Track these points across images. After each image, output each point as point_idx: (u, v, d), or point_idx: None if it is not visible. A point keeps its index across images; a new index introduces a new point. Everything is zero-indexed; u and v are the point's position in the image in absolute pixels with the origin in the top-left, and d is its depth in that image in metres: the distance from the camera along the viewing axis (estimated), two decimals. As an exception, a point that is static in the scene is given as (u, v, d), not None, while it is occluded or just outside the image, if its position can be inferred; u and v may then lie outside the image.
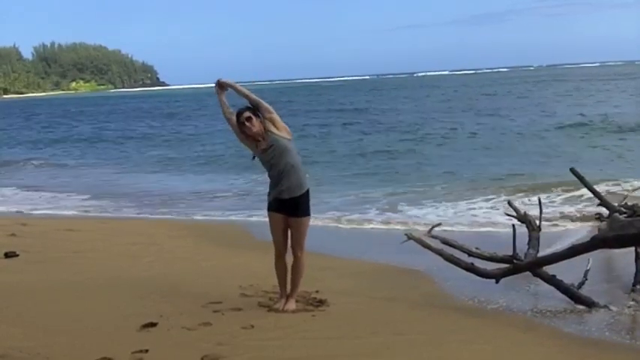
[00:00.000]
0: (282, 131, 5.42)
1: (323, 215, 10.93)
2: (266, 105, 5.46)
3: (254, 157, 5.62)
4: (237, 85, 5.60)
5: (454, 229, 9.79)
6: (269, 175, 5.52)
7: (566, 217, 10.24)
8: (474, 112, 35.95)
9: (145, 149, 26.74)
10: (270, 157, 5.39)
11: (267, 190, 5.61)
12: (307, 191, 5.51)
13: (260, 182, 12.97)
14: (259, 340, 4.72)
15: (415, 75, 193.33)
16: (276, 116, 5.44)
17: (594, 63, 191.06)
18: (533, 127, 25.91)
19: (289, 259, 5.66)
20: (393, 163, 18.82)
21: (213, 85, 5.69)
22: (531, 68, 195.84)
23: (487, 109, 37.25)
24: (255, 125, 5.37)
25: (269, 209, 5.57)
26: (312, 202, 5.62)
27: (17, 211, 12.73)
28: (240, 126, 5.40)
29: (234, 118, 5.51)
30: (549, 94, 48.14)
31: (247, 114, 5.39)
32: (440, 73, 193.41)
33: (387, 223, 10.79)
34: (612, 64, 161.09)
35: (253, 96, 5.49)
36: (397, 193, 13.48)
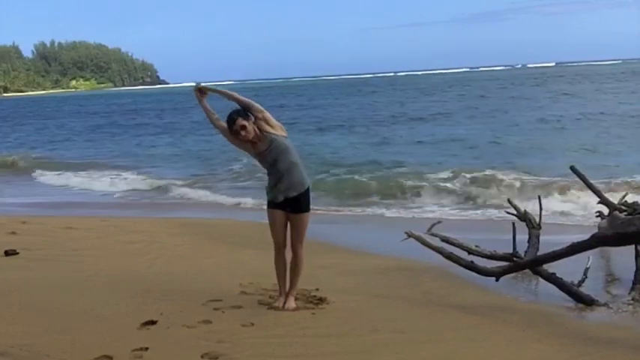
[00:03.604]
0: (277, 129, 5.31)
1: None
2: (256, 105, 5.31)
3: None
4: (221, 90, 5.39)
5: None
6: (268, 174, 5.44)
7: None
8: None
9: None
10: (271, 158, 5.30)
11: (266, 185, 5.54)
12: (308, 188, 5.46)
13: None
14: (259, 338, 4.71)
15: (400, 74, 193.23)
16: (268, 115, 5.31)
17: (596, 61, 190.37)
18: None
19: (288, 255, 5.66)
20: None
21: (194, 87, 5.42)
22: (536, 66, 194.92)
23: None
24: (250, 131, 5.23)
25: (269, 206, 5.53)
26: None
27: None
28: (235, 135, 5.25)
29: (222, 123, 5.34)
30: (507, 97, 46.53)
31: (241, 122, 5.19)
32: (431, 72, 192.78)
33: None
34: (614, 62, 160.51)
35: (242, 98, 5.31)
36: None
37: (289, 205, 5.41)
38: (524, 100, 41.96)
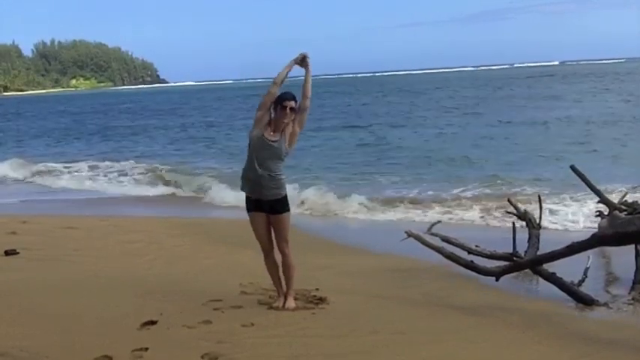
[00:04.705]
0: (290, 143, 5.45)
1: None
2: (306, 117, 5.51)
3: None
4: (310, 78, 5.58)
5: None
6: (248, 162, 5.46)
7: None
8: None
9: None
10: (265, 153, 5.36)
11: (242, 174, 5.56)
12: (285, 195, 5.52)
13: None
14: (259, 338, 4.72)
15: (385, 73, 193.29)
16: (299, 131, 5.49)
17: (600, 60, 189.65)
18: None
19: (278, 256, 5.65)
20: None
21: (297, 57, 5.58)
22: (539, 65, 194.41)
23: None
24: (289, 118, 5.40)
25: (248, 210, 5.56)
26: None
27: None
28: (283, 109, 5.38)
29: (276, 92, 5.47)
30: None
31: (294, 105, 5.40)
32: (431, 71, 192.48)
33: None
34: (618, 61, 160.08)
35: (309, 102, 5.51)
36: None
37: (267, 207, 5.45)
38: (510, 99, 41.68)
